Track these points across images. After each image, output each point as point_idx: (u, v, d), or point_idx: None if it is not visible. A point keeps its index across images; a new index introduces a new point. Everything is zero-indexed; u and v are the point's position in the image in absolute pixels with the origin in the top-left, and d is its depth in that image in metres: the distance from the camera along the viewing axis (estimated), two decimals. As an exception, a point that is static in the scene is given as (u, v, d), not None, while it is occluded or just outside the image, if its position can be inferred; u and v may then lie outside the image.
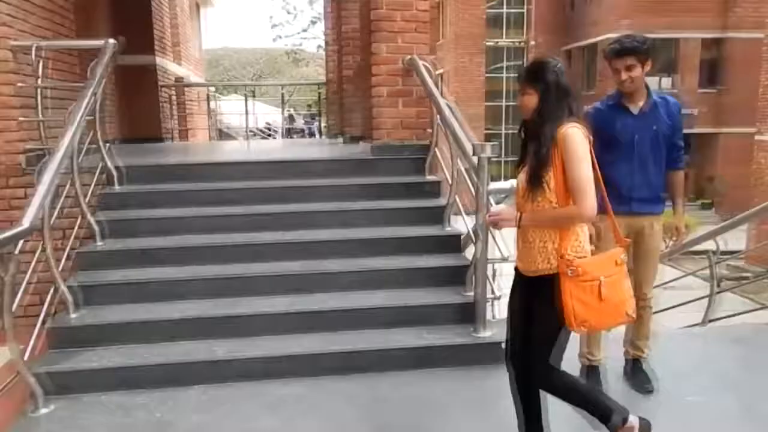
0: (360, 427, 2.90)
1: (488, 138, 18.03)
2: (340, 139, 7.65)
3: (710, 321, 5.01)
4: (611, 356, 3.49)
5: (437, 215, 4.51)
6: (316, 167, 5.08)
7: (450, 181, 4.35)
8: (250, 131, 17.99)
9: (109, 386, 3.32)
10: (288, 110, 14.83)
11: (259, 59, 46.53)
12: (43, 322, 3.56)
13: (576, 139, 2.27)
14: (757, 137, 17.56)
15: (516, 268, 2.55)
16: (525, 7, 25.91)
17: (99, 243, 4.13)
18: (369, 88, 5.08)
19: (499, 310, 3.89)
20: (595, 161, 2.34)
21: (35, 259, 3.52)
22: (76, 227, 4.07)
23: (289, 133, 16.40)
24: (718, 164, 22.99)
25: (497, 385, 3.36)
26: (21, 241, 3.10)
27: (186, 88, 11.12)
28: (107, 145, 4.54)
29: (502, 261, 3.75)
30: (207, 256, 4.14)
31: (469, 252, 4.24)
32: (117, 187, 4.57)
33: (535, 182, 2.32)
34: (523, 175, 2.43)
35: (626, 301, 2.36)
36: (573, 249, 2.30)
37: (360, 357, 3.55)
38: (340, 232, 4.39)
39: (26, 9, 4.57)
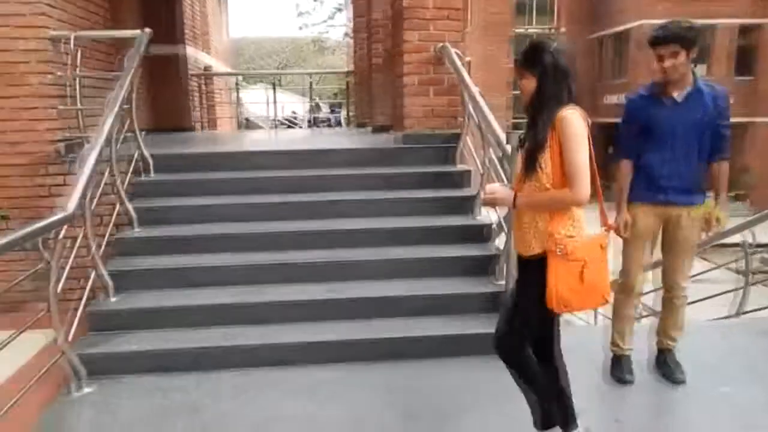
0: (390, 413, 2.93)
1: (514, 127, 17.89)
2: (368, 129, 7.67)
3: (743, 313, 4.94)
4: (641, 347, 3.49)
5: (467, 205, 4.51)
6: (345, 157, 5.11)
7: (481, 171, 4.34)
8: (275, 120, 18.14)
9: (145, 369, 3.41)
10: (314, 99, 14.85)
11: (284, 48, 46.62)
12: (83, 307, 3.67)
13: (574, 123, 2.25)
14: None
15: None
16: (554, -7, 25.55)
17: (135, 230, 4.22)
18: (399, 76, 5.07)
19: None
20: (592, 146, 2.32)
21: (78, 245, 3.62)
22: (114, 214, 4.16)
23: (313, 122, 16.43)
24: (748, 155, 22.50)
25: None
26: (64, 227, 3.19)
27: (213, 78, 11.22)
28: (142, 133, 4.61)
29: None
30: (238, 243, 4.21)
31: (499, 241, 4.25)
32: (152, 176, 4.65)
33: (531, 164, 2.32)
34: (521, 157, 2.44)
35: (605, 284, 2.37)
36: (565, 230, 2.30)
37: (390, 344, 3.59)
38: (369, 221, 4.42)
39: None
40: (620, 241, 3.28)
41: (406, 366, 3.46)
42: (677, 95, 3.08)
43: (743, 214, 14.35)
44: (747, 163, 22.50)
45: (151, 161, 4.65)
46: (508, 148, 3.58)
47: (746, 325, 4.63)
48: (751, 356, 3.69)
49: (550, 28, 24.78)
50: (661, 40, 2.99)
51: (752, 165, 22.17)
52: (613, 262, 2.74)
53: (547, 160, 2.28)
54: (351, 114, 10.25)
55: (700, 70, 22.10)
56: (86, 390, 3.23)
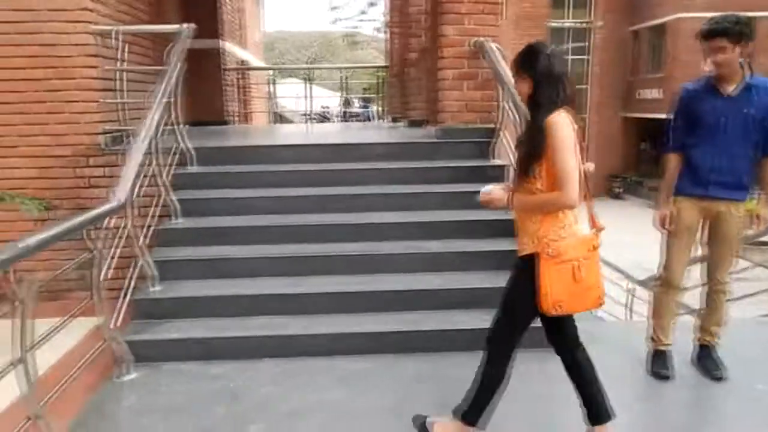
0: (423, 402, 2.96)
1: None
2: (402, 123, 7.68)
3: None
4: (680, 342, 3.46)
5: (502, 199, 4.49)
6: (381, 151, 5.14)
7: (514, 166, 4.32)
8: (306, 115, 18.26)
9: (187, 356, 3.50)
10: (344, 94, 14.91)
11: (314, 42, 46.83)
12: (126, 295, 3.77)
13: (561, 128, 2.28)
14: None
15: None
16: (590, -15, 25.11)
17: (177, 221, 4.32)
18: (434, 71, 5.08)
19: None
20: (578, 149, 2.34)
21: (122, 235, 3.72)
22: (157, 205, 4.26)
23: (344, 116, 16.50)
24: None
25: (558, 367, 3.40)
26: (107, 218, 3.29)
27: (248, 72, 11.34)
28: (184, 126, 4.71)
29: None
30: (275, 235, 4.27)
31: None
32: (193, 168, 4.75)
33: (523, 168, 2.38)
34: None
35: (598, 285, 2.41)
36: (554, 232, 2.34)
37: (423, 336, 3.62)
38: (403, 214, 4.44)
39: (107, -7, 4.79)
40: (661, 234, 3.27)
41: (439, 358, 3.49)
42: (728, 89, 3.04)
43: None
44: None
45: (192, 154, 4.75)
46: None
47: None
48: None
49: (586, 22, 24.38)
50: (708, 34, 2.97)
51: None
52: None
53: (543, 164, 2.33)
54: (384, 109, 10.28)
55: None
56: (130, 376, 3.33)
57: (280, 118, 13.93)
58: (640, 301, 7.29)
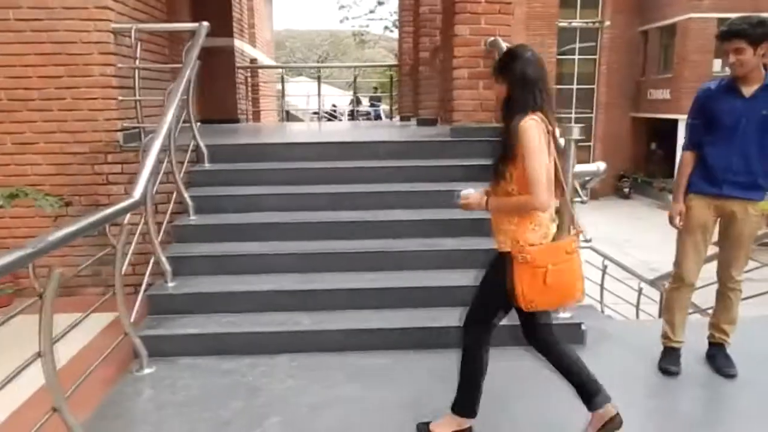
0: (440, 397, 2.96)
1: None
2: (413, 122, 7.70)
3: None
4: (692, 340, 3.48)
5: (515, 198, 4.51)
6: (393, 149, 5.16)
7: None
8: (316, 113, 18.29)
9: (202, 351, 3.54)
10: (353, 93, 14.95)
11: (324, 41, 46.90)
12: (143, 290, 3.82)
13: (531, 132, 2.33)
14: None
15: None
16: (599, -15, 25.04)
17: (191, 217, 4.36)
18: (448, 69, 5.10)
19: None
20: (550, 153, 2.40)
21: (137, 231, 3.77)
22: (172, 202, 4.30)
23: (354, 115, 16.53)
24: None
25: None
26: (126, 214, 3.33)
27: (258, 70, 11.38)
28: (198, 124, 4.74)
29: (585, 243, 3.76)
30: (289, 232, 4.31)
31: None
32: (206, 165, 4.79)
33: (497, 171, 2.45)
34: None
35: (575, 284, 2.47)
36: (529, 235, 2.41)
37: (439, 333, 3.63)
38: (417, 212, 4.46)
39: (125, -8, 4.84)
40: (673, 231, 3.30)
41: (454, 354, 3.42)
42: (746, 91, 3.06)
43: (794, 214, 13.93)
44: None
45: (205, 151, 4.79)
46: (562, 141, 3.57)
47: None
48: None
49: (594, 22, 24.31)
50: (725, 35, 2.98)
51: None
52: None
53: (514, 167, 2.39)
54: (394, 107, 10.31)
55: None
56: (147, 370, 3.36)
57: (288, 116, 13.97)
58: (650, 301, 7.31)
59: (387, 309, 3.78)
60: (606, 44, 24.32)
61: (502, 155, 2.42)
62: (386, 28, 36.54)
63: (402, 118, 8.77)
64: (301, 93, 19.38)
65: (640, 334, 3.95)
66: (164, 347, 3.50)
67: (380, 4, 29.35)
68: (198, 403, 3.02)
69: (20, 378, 2.24)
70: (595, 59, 24.61)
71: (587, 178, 3.81)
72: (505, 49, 4.56)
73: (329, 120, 17.26)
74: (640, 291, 7.36)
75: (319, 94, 9.97)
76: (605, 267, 7.64)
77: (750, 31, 2.92)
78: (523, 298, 2.40)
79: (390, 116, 10.60)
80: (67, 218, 4.65)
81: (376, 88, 21.34)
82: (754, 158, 3.09)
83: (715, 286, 3.47)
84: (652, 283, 7.25)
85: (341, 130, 8.40)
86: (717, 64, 21.72)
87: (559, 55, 23.85)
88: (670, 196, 3.54)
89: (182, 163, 4.53)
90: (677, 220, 3.29)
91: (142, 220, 3.77)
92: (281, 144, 5.53)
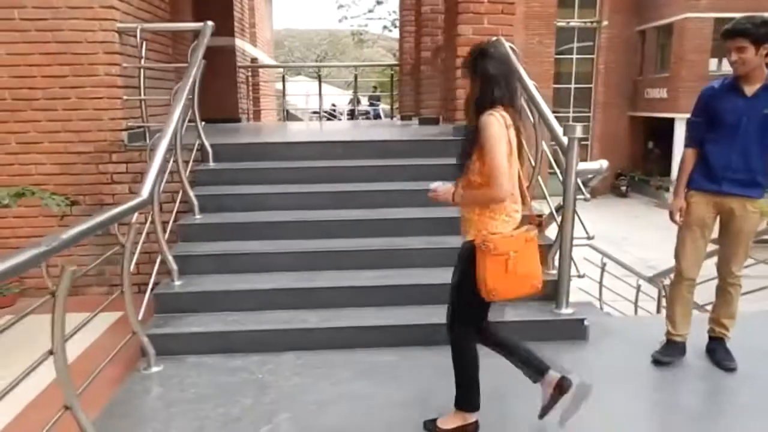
0: (446, 393, 2.98)
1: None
2: (414, 121, 7.73)
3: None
4: (692, 335, 3.52)
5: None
6: (396, 148, 5.20)
7: (533, 163, 4.37)
8: (315, 113, 18.30)
9: (210, 349, 3.56)
10: (353, 92, 14.97)
11: (323, 40, 46.91)
12: (150, 289, 3.84)
13: (490, 126, 2.40)
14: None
15: None
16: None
17: (196, 216, 4.38)
18: (451, 69, 5.13)
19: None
20: (514, 146, 2.48)
21: (143, 231, 3.79)
22: (178, 201, 4.32)
23: (354, 114, 16.55)
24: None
25: (577, 358, 3.52)
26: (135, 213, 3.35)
27: (258, 70, 11.39)
28: (202, 123, 4.77)
29: (587, 239, 3.81)
30: (294, 231, 4.34)
31: (550, 232, 4.30)
32: (210, 164, 4.81)
33: (461, 163, 2.55)
34: None
35: (533, 273, 2.58)
36: (491, 225, 2.50)
37: (444, 330, 3.64)
38: (422, 210, 4.48)
39: (130, -8, 4.85)
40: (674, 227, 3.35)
41: None
42: (748, 90, 3.10)
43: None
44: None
45: (210, 150, 4.81)
46: (565, 140, 3.61)
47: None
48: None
49: (592, 21, 24.37)
50: (729, 33, 3.02)
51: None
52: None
53: (478, 160, 2.47)
54: (394, 107, 10.34)
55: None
56: (155, 369, 3.38)
57: (287, 115, 14.01)
58: (648, 298, 7.37)
59: (392, 306, 3.81)
60: (604, 44, 24.40)
61: (467, 149, 2.52)
62: (385, 27, 36.63)
63: (403, 118, 8.79)
64: (300, 92, 19.41)
65: (642, 330, 4.00)
66: (171, 346, 3.53)
67: (379, 3, 29.45)
68: (207, 400, 3.05)
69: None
70: (592, 59, 24.69)
71: (590, 176, 3.85)
72: (509, 49, 4.62)
73: (329, 119, 17.27)
74: (638, 288, 7.41)
75: (320, 94, 9.98)
76: (604, 265, 7.69)
77: (753, 31, 2.96)
78: (485, 287, 2.48)
79: (391, 116, 10.61)
80: (71, 218, 4.68)
81: (375, 88, 21.37)
82: (754, 156, 3.14)
83: (712, 283, 3.52)
84: (651, 280, 7.30)
85: (343, 130, 8.43)
86: (713, 63, 21.83)
87: (557, 54, 23.89)
88: (667, 195, 3.60)
89: (187, 162, 4.54)
90: (677, 216, 3.35)
91: (149, 219, 3.79)
92: (285, 143, 5.55)
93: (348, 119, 17.20)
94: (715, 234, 3.39)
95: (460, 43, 4.93)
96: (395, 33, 34.86)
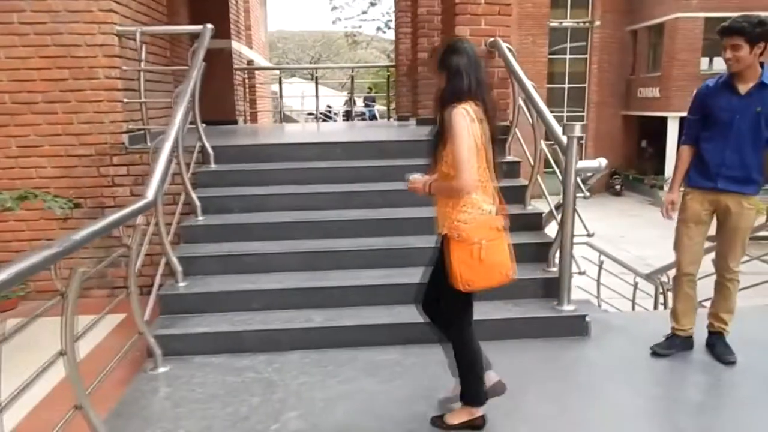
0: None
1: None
2: (412, 122, 7.76)
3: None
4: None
5: (518, 195, 4.59)
6: (396, 148, 5.22)
7: (532, 162, 4.42)
8: (310, 114, 18.30)
9: (216, 349, 3.58)
10: (349, 93, 15.01)
11: (316, 42, 46.91)
12: (155, 290, 3.86)
13: (456, 119, 2.45)
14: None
15: None
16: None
17: (199, 218, 4.41)
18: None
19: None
20: (478, 139, 2.50)
21: (147, 233, 3.80)
22: (180, 202, 4.34)
23: (350, 115, 16.57)
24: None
25: (580, 355, 3.58)
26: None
27: (254, 72, 11.40)
28: (203, 125, 4.79)
29: (587, 236, 3.86)
30: (297, 231, 4.36)
31: (550, 230, 4.35)
32: (212, 166, 4.83)
33: (432, 156, 2.63)
34: None
35: (504, 263, 2.61)
36: (461, 216, 2.53)
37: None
38: (422, 210, 4.50)
39: (129, -4, 4.87)
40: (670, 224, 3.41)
41: None
42: (742, 88, 3.16)
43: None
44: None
45: (211, 152, 4.83)
46: (564, 139, 3.66)
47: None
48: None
49: (585, 21, 24.48)
50: (725, 31, 3.08)
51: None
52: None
53: (446, 152, 2.52)
54: (390, 107, 10.38)
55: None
56: (162, 369, 3.40)
57: (282, 117, 14.04)
58: (645, 295, 7.42)
59: (396, 305, 3.84)
60: (596, 44, 24.50)
61: (436, 141, 2.58)
62: (379, 29, 36.69)
63: (400, 118, 8.83)
64: (295, 94, 19.42)
65: (643, 326, 4.05)
66: (177, 346, 3.55)
67: (372, 5, 29.47)
68: (215, 399, 3.07)
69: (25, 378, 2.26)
70: (585, 58, 24.78)
71: (589, 174, 3.89)
72: (505, 49, 4.68)
73: (324, 121, 17.28)
74: (635, 285, 7.47)
75: (317, 95, 10.00)
76: (601, 262, 7.74)
77: (749, 29, 3.02)
78: (461, 279, 2.52)
79: (387, 116, 10.64)
80: (71, 220, 4.69)
81: (370, 89, 21.38)
82: (748, 154, 3.20)
83: (709, 279, 3.58)
84: (648, 277, 7.36)
85: (341, 131, 8.45)
86: (705, 62, 21.98)
87: (550, 54, 24.01)
88: (661, 193, 3.67)
89: (188, 164, 4.56)
90: (668, 208, 3.44)
91: (153, 221, 3.81)
92: (285, 144, 5.58)
93: (343, 120, 17.21)
94: (712, 231, 3.45)
95: (459, 44, 4.96)
96: (389, 34, 34.98)
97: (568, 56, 24.74)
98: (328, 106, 20.23)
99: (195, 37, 4.97)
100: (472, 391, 2.75)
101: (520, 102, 4.67)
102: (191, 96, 4.30)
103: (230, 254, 4.13)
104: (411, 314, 3.73)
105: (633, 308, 7.39)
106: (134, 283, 3.20)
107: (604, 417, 2.92)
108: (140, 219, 3.54)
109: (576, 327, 3.77)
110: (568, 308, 3.80)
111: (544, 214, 4.42)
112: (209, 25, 4.80)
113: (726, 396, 3.21)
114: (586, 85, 24.93)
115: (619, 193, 24.60)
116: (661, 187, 20.92)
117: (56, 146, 4.78)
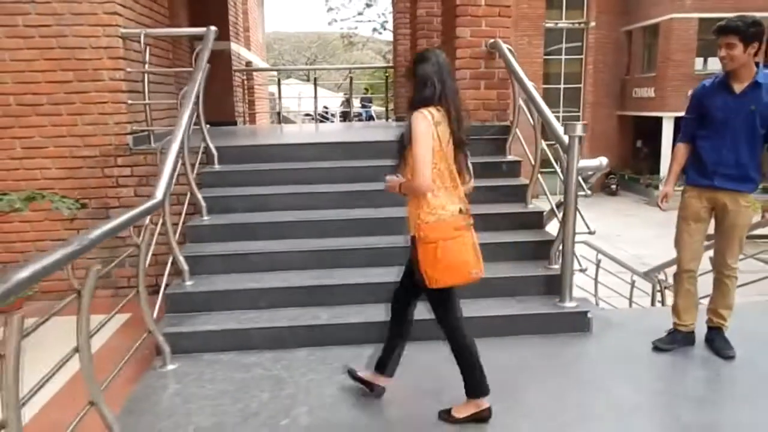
0: (459, 384, 3.06)
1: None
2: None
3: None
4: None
5: (519, 194, 4.66)
6: (394, 148, 5.25)
7: (533, 162, 4.48)
8: (307, 115, 18.32)
9: (223, 347, 3.63)
10: (345, 94, 15.05)
11: (312, 43, 46.94)
12: (163, 289, 3.90)
13: (416, 122, 2.60)
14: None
15: None
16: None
17: (204, 218, 4.45)
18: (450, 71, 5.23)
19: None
20: (438, 142, 2.61)
21: (155, 232, 3.84)
22: (186, 203, 4.39)
23: (348, 116, 16.61)
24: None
25: (581, 351, 3.64)
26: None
27: (253, 73, 11.45)
28: (207, 126, 4.83)
29: (588, 234, 3.93)
30: (301, 230, 4.42)
31: (551, 228, 4.41)
32: (216, 167, 4.88)
33: (398, 157, 2.75)
34: None
35: (468, 262, 2.70)
36: (424, 217, 2.66)
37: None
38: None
39: (133, -2, 4.91)
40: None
41: None
42: (737, 87, 3.23)
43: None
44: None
45: (215, 153, 4.88)
46: (566, 138, 3.72)
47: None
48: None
49: (580, 22, 24.60)
50: (721, 30, 3.15)
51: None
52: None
53: (410, 155, 2.62)
54: (389, 108, 10.44)
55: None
56: (171, 366, 3.45)
57: (282, 118, 14.11)
58: (643, 294, 7.49)
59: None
60: (592, 44, 24.62)
61: (400, 144, 2.70)
62: (375, 30, 36.70)
63: (398, 119, 8.88)
64: (292, 95, 19.43)
65: (644, 322, 4.12)
66: (185, 344, 3.59)
67: (368, 6, 29.50)
68: (225, 395, 3.12)
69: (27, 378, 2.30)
70: (581, 59, 24.89)
71: (590, 173, 3.96)
72: (505, 50, 4.74)
73: (322, 121, 17.32)
74: (633, 284, 7.54)
75: (315, 96, 10.05)
76: (599, 261, 7.81)
77: (743, 29, 3.10)
78: (427, 276, 2.65)
79: (386, 117, 10.70)
80: (76, 221, 4.73)
81: (366, 90, 21.44)
82: (743, 152, 3.28)
83: (707, 276, 3.65)
84: (645, 275, 7.44)
85: (341, 131, 8.51)
86: (699, 62, 22.11)
87: (546, 55, 24.11)
88: (657, 192, 3.74)
89: (193, 164, 4.61)
90: (661, 200, 3.53)
91: (160, 221, 3.85)
92: (287, 145, 5.64)
93: (341, 121, 17.25)
94: (711, 230, 3.53)
95: (459, 45, 5.04)
96: (385, 36, 35.05)
97: (563, 57, 24.84)
98: (325, 107, 20.27)
99: (194, 39, 5.02)
100: (474, 382, 2.82)
101: (521, 102, 4.73)
102: (196, 97, 4.34)
103: (235, 253, 4.18)
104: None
105: (630, 306, 7.46)
106: (143, 283, 3.25)
107: (606, 411, 2.97)
108: (149, 219, 3.60)
109: (578, 323, 3.84)
110: (569, 305, 3.87)
111: (544, 213, 4.49)
112: (213, 27, 4.85)
113: (726, 389, 3.28)
114: (581, 85, 25.04)
115: (615, 192, 24.71)
116: (657, 187, 21.03)
117: (61, 147, 4.81)
